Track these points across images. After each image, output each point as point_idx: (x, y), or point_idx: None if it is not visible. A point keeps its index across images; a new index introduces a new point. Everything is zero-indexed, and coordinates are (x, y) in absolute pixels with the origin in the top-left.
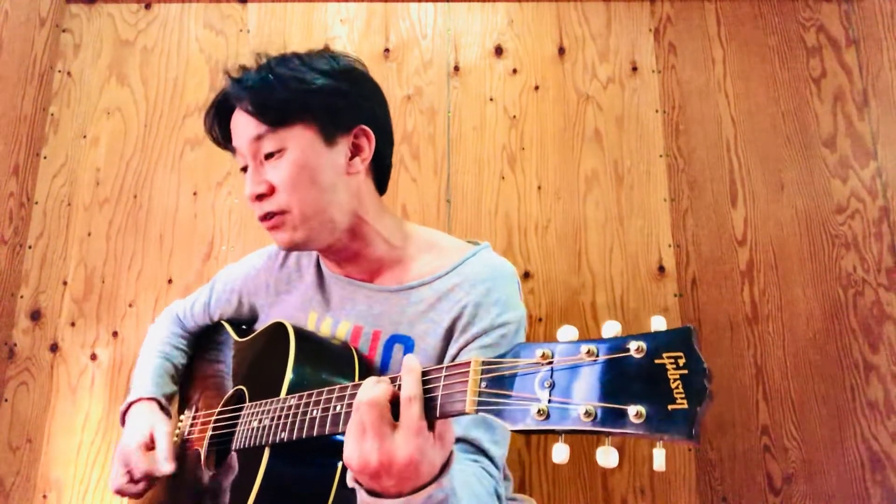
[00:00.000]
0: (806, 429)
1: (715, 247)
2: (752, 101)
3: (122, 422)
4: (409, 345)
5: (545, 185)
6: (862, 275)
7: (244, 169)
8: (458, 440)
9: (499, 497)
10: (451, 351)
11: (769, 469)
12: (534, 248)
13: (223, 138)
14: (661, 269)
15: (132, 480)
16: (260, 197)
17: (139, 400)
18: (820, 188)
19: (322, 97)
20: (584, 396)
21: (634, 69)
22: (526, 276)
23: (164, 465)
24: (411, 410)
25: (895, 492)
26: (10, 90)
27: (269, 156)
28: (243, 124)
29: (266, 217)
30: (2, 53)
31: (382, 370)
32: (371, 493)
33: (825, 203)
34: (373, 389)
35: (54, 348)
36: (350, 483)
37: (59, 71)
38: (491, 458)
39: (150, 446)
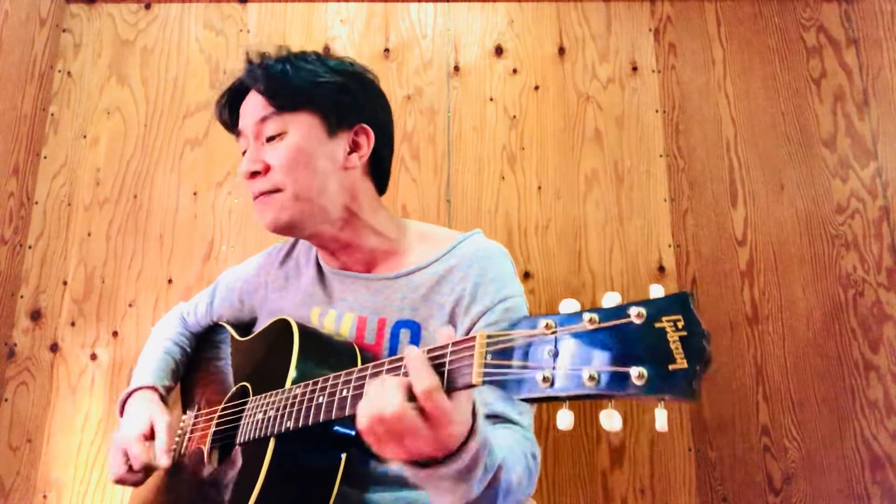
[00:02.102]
0: (806, 429)
1: (715, 247)
2: (752, 101)
3: (121, 411)
4: (415, 329)
5: (545, 185)
6: (862, 275)
7: (245, 153)
8: (486, 416)
9: (535, 458)
10: (459, 334)
11: (769, 469)
12: (534, 248)
13: (231, 122)
14: (661, 269)
15: (131, 470)
16: (254, 175)
17: (139, 389)
18: (820, 188)
19: (330, 91)
20: (587, 362)
21: (634, 69)
22: (526, 276)
23: (163, 458)
24: (433, 401)
25: (895, 492)
26: (10, 90)
27: (270, 139)
28: (252, 105)
29: (258, 197)
30: (2, 53)
31: (391, 355)
32: (422, 465)
33: (825, 203)
34: (391, 402)
35: (54, 348)
36: (403, 469)
37: (59, 71)
38: (521, 426)
39: (150, 437)
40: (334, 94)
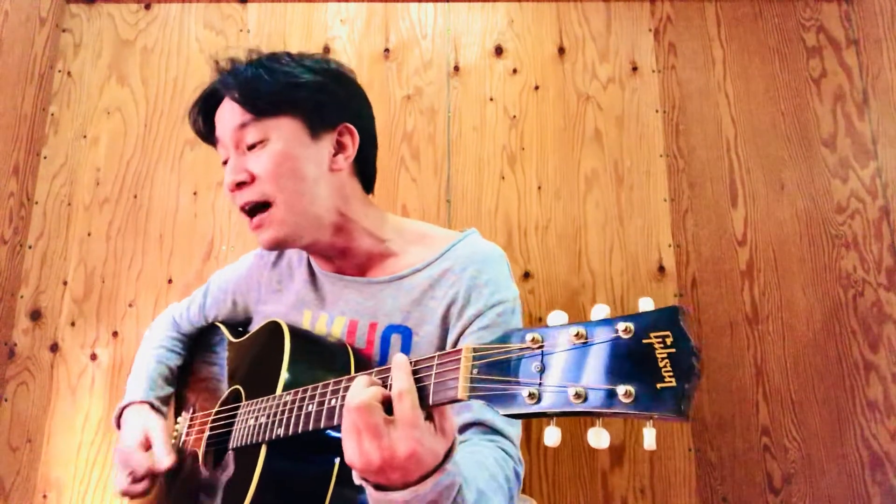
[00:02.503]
0: (806, 429)
1: (715, 247)
2: (752, 101)
3: (118, 425)
4: (406, 334)
5: (545, 185)
6: (862, 275)
7: (225, 162)
8: (473, 424)
9: (518, 476)
10: (451, 337)
11: (769, 469)
12: (534, 248)
13: (206, 132)
14: (661, 269)
15: (135, 481)
16: (240, 185)
17: (131, 404)
18: (820, 188)
19: (309, 92)
20: (574, 379)
21: (634, 69)
22: (526, 276)
23: (164, 459)
24: (404, 404)
25: (895, 492)
26: (10, 90)
27: (251, 147)
28: (229, 113)
29: (247, 209)
30: (2, 53)
31: (381, 362)
32: (378, 487)
33: (825, 203)
34: (362, 393)
35: (54, 348)
36: (357, 480)
37: (59, 71)
38: (507, 437)
39: (147, 446)
40: (314, 95)
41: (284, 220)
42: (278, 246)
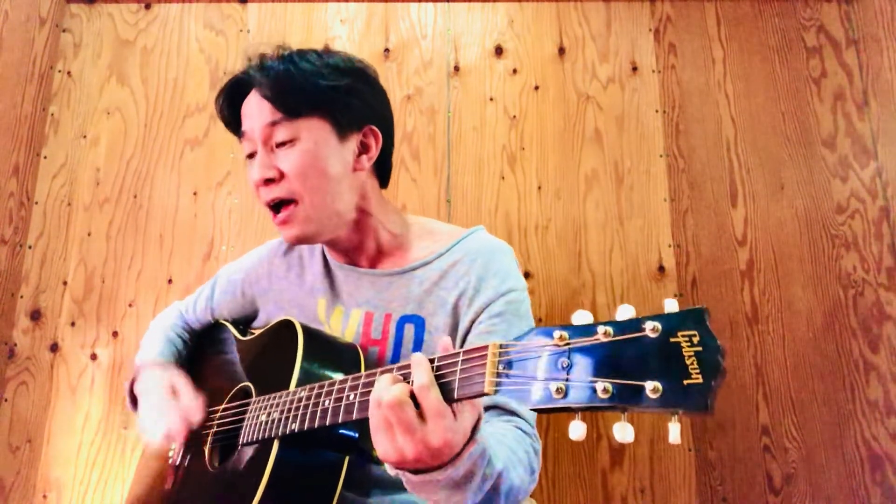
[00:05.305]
0: (806, 429)
1: (715, 247)
2: (752, 101)
3: (130, 396)
4: (419, 323)
5: (545, 185)
6: (862, 275)
7: (250, 155)
8: (489, 407)
9: (536, 452)
10: (463, 325)
11: (769, 469)
12: (534, 248)
13: (231, 119)
14: (661, 269)
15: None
16: (268, 182)
17: (146, 368)
18: (820, 188)
19: (340, 94)
20: (601, 375)
21: (634, 69)
22: (526, 276)
23: (195, 410)
24: (430, 397)
25: (895, 492)
26: (10, 90)
27: (280, 144)
28: (258, 109)
29: (273, 205)
30: (2, 53)
31: (395, 351)
32: (415, 471)
33: (825, 203)
34: (392, 390)
35: (54, 348)
36: (392, 472)
37: (59, 71)
38: (523, 418)
39: (175, 395)
40: (343, 97)
41: (309, 217)
42: (302, 242)
